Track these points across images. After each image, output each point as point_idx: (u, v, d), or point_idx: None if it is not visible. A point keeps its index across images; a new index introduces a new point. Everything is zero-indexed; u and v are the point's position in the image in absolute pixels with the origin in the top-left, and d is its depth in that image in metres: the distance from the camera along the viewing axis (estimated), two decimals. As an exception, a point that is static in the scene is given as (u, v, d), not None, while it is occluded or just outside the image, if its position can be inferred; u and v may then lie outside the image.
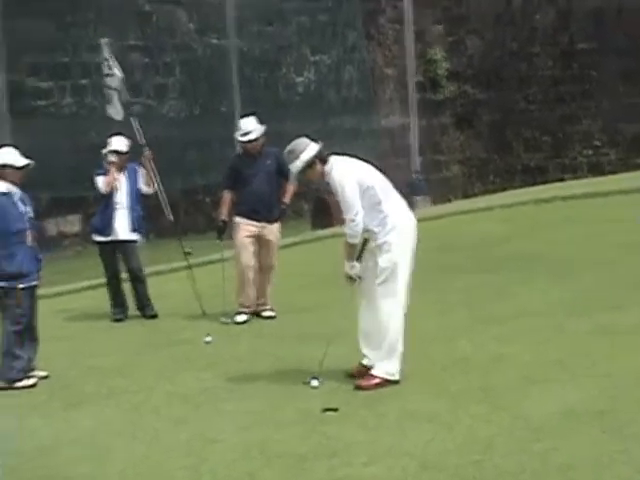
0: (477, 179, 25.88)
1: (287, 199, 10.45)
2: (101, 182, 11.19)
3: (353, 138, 25.11)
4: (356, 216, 7.51)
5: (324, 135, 24.64)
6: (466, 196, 24.92)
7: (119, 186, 11.14)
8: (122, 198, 11.17)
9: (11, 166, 8.55)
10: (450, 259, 13.38)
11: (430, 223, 16.91)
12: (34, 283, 8.67)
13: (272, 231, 10.50)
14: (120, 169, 11.19)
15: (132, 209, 11.17)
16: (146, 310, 11.25)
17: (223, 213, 10.60)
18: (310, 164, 7.65)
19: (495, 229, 15.46)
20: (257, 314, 10.54)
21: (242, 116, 10.58)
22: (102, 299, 11.50)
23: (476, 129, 25.56)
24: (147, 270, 12.80)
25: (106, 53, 12.05)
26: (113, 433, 6.97)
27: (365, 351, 7.83)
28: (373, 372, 7.66)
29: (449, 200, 24.53)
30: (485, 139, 25.44)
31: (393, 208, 7.68)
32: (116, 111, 11.87)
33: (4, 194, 8.53)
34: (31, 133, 18.23)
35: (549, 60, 24.44)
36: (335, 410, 7.11)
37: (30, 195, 8.85)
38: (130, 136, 11.42)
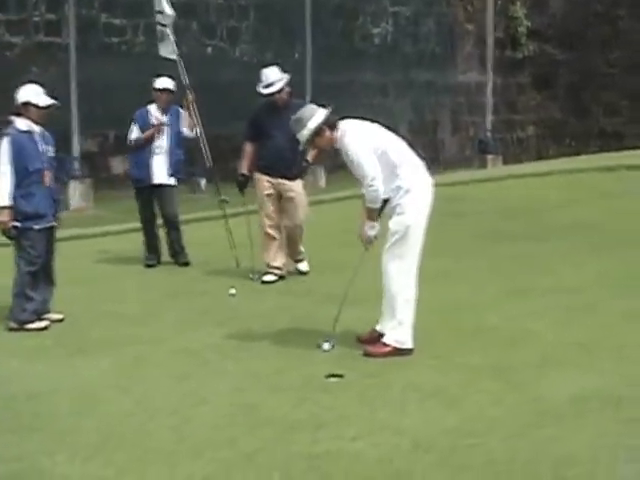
0: (552, 141, 25.22)
1: (310, 157, 9.71)
2: (134, 134, 10.96)
3: (429, 92, 24.68)
4: (373, 181, 7.12)
5: (401, 87, 24.38)
6: (540, 158, 24.33)
7: (163, 129, 10.89)
8: (163, 142, 10.92)
9: (34, 105, 8.33)
10: (503, 224, 12.93)
11: (493, 184, 16.57)
12: (50, 224, 8.46)
13: (292, 188, 9.93)
14: (163, 110, 10.94)
15: (172, 153, 10.91)
16: (179, 257, 11.01)
17: (243, 166, 10.08)
18: (318, 131, 7.26)
19: (555, 195, 14.96)
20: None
21: (264, 66, 10.01)
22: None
23: (554, 90, 24.84)
24: (190, 216, 12.65)
25: None
26: (107, 386, 6.73)
27: (381, 317, 7.51)
28: (384, 340, 7.33)
29: (521, 161, 23.95)
30: (562, 101, 24.73)
31: (408, 171, 7.29)
32: (169, 50, 11.55)
33: (25, 132, 8.32)
34: (100, 70, 18.13)
35: (635, 23, 23.54)
36: (340, 376, 6.81)
37: (52, 134, 8.63)
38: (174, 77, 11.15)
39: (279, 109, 9.70)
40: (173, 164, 10.90)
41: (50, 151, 8.50)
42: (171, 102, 11.00)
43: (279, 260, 10.05)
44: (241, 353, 7.47)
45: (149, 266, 10.95)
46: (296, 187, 9.96)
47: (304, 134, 7.30)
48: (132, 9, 19.59)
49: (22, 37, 20.08)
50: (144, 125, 10.93)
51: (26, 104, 8.33)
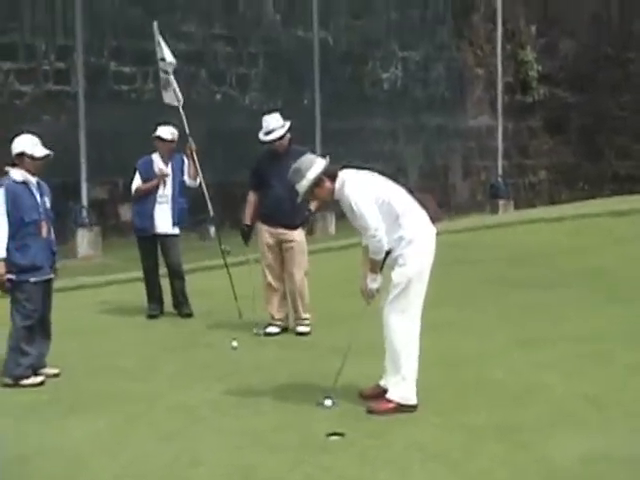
0: (565, 185, 25.00)
1: (313, 206, 9.40)
2: (136, 184, 10.84)
3: (439, 137, 24.55)
4: (377, 232, 6.91)
5: (412, 132, 24.23)
6: (552, 202, 24.13)
7: (165, 180, 10.75)
8: (166, 191, 10.76)
9: (29, 156, 8.17)
10: (512, 271, 12.72)
11: (503, 230, 16.35)
12: (47, 277, 8.28)
13: (292, 237, 9.67)
14: (165, 158, 10.79)
15: (175, 202, 10.75)
16: (182, 308, 10.81)
17: (246, 216, 9.87)
18: (317, 182, 7.05)
19: (567, 240, 14.75)
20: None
21: (264, 112, 9.83)
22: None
23: (566, 134, 24.66)
24: (195, 265, 12.45)
25: (157, 37, 11.62)
26: (98, 448, 6.48)
27: (384, 372, 7.27)
28: (387, 396, 7.08)
29: (534, 205, 23.74)
30: (575, 144, 24.54)
31: (411, 220, 7.08)
32: (172, 97, 11.45)
33: (20, 183, 8.16)
34: (109, 117, 18.07)
35: (645, 67, 23.45)
36: (341, 435, 6.56)
37: (50, 185, 8.49)
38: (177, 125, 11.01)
39: (280, 156, 9.50)
40: (177, 213, 10.74)
41: (47, 202, 8.35)
42: (173, 151, 10.85)
43: (282, 311, 9.82)
44: (239, 410, 7.23)
45: (151, 317, 10.75)
46: (297, 236, 9.71)
47: (303, 185, 7.09)
48: (141, 57, 19.55)
49: (32, 86, 20.13)
50: (147, 174, 10.79)
51: (21, 155, 8.18)
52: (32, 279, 8.12)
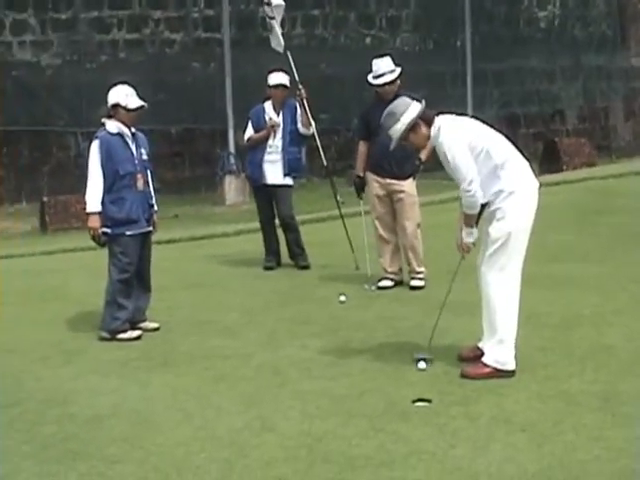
0: None
1: (424, 155, 8.65)
2: (248, 133, 10.57)
3: (599, 77, 23.51)
4: (471, 185, 6.38)
5: (570, 73, 23.25)
6: None
7: (276, 130, 10.42)
8: (277, 141, 10.43)
9: (123, 107, 7.94)
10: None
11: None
12: (143, 230, 8.08)
13: (402, 188, 9.16)
14: (277, 106, 10.44)
15: (287, 152, 10.40)
16: (298, 260, 10.52)
17: (358, 167, 9.41)
18: (413, 127, 6.55)
19: None
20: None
21: (375, 56, 9.31)
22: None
23: None
24: (310, 216, 12.14)
25: None
26: (172, 408, 6.23)
27: (483, 332, 6.77)
28: (483, 359, 6.59)
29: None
30: None
31: (512, 172, 6.50)
32: (276, 42, 11.12)
33: (114, 134, 7.96)
34: (256, 64, 17.87)
35: None
36: (428, 401, 6.14)
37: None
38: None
39: (388, 103, 8.94)
40: (288, 163, 10.40)
41: (144, 154, 8.12)
42: (286, 98, 10.48)
43: (395, 264, 9.38)
44: (328, 371, 6.87)
45: (267, 268, 10.49)
46: (407, 187, 9.20)
47: (397, 129, 6.62)
48: (289, 3, 19.32)
49: (181, 34, 20.18)
50: (258, 124, 10.48)
51: (115, 106, 7.97)
52: (128, 232, 7.94)
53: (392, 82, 9.05)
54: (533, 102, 23.26)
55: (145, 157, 8.14)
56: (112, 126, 7.97)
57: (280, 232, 10.68)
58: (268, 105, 10.50)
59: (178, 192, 18.75)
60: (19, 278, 10.64)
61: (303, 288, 9.55)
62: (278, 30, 10.90)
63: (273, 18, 10.94)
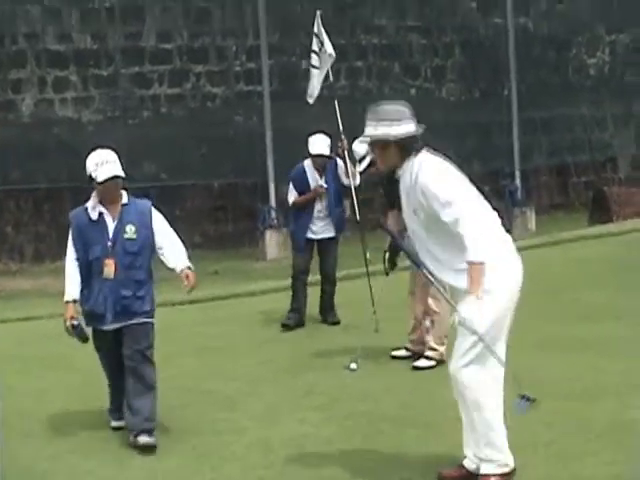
0: None
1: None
2: (292, 197, 10.31)
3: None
4: (465, 203, 5.37)
5: (621, 120, 22.76)
6: None
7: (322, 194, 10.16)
8: (323, 204, 10.18)
9: (93, 179, 6.68)
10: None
11: None
12: (110, 327, 6.85)
13: None
14: (320, 171, 10.17)
15: (333, 213, 10.19)
16: (328, 316, 10.28)
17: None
18: (399, 142, 5.51)
19: None
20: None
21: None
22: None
23: None
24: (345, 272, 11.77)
25: (318, 27, 11.00)
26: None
27: (465, 446, 5.75)
28: (483, 471, 5.59)
29: None
30: None
31: (492, 242, 5.43)
32: (311, 92, 10.89)
33: (87, 212, 6.82)
34: (299, 117, 17.71)
35: None
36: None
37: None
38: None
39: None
40: (335, 223, 10.22)
41: (130, 232, 6.73)
42: (327, 163, 10.20)
43: (415, 333, 8.80)
44: (322, 449, 6.45)
45: (284, 326, 10.11)
46: None
47: (382, 131, 5.51)
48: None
49: (223, 87, 20.10)
50: (301, 187, 10.20)
51: (90, 177, 6.78)
52: (92, 327, 6.90)
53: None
54: (584, 150, 22.74)
55: (132, 236, 6.74)
56: (90, 202, 6.83)
57: (310, 290, 10.38)
58: (309, 166, 10.22)
59: (220, 247, 18.59)
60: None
61: (315, 354, 9.08)
62: (316, 80, 10.77)
63: (317, 68, 10.70)
